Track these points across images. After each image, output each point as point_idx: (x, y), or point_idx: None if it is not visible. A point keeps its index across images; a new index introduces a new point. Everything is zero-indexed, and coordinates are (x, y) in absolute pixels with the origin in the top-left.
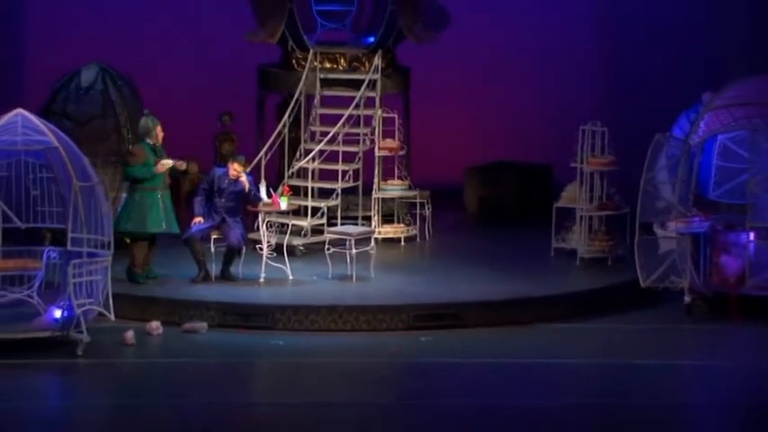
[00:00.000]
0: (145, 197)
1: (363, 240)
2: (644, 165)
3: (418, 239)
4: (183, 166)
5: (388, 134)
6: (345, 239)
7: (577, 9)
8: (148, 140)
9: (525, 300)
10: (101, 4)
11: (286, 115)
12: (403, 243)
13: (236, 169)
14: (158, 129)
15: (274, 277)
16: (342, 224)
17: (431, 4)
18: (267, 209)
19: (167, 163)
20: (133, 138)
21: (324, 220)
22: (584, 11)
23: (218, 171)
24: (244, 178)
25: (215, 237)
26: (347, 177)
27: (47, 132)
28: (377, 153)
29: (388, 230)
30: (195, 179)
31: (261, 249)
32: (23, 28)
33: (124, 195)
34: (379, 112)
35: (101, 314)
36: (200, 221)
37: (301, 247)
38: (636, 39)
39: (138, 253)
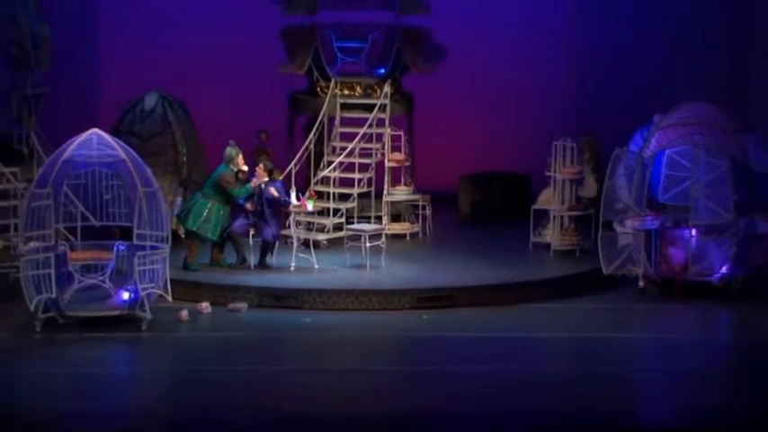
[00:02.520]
0: (214, 209)
1: (376, 236)
2: (606, 173)
3: (420, 235)
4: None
5: (395, 149)
6: (361, 235)
7: (553, 49)
8: (231, 167)
9: (508, 284)
10: (160, 43)
11: (312, 133)
12: (408, 238)
13: (260, 168)
14: (240, 157)
15: (302, 266)
16: (358, 222)
17: (430, 42)
18: (297, 210)
19: (258, 181)
20: (188, 152)
21: (343, 219)
22: (558, 51)
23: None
24: (272, 190)
25: (252, 233)
26: (362, 184)
27: (117, 147)
28: (386, 164)
29: (396, 228)
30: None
31: (291, 243)
32: (97, 64)
33: (179, 199)
34: (389, 130)
35: (161, 296)
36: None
37: (325, 242)
38: (600, 71)
39: (195, 248)
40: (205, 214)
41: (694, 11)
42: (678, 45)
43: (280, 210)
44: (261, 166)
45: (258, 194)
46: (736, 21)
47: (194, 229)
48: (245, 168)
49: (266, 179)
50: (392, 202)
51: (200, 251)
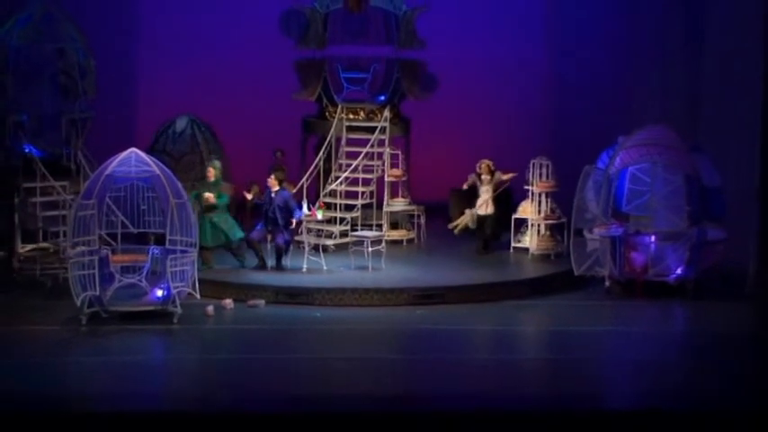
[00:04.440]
0: (205, 219)
1: (376, 241)
2: (576, 187)
3: (416, 241)
4: (211, 199)
5: (394, 165)
6: (364, 241)
7: (530, 80)
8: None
9: (492, 284)
10: (190, 74)
11: (321, 151)
12: (405, 243)
13: (272, 179)
14: (209, 169)
15: (313, 267)
16: (361, 230)
17: (425, 73)
18: (308, 219)
19: (209, 196)
20: None
21: (348, 227)
22: (535, 81)
23: (269, 191)
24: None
25: (269, 239)
26: (365, 196)
27: (152, 164)
28: (386, 179)
29: (395, 234)
30: (256, 197)
31: (303, 247)
32: (135, 92)
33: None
34: (388, 149)
35: (190, 294)
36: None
37: (332, 246)
38: (571, 99)
39: (206, 255)
40: (201, 224)
41: (654, 47)
42: (640, 77)
43: (292, 219)
44: (272, 176)
45: (269, 203)
46: (689, 58)
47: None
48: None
49: (277, 188)
50: (391, 212)
51: (218, 255)
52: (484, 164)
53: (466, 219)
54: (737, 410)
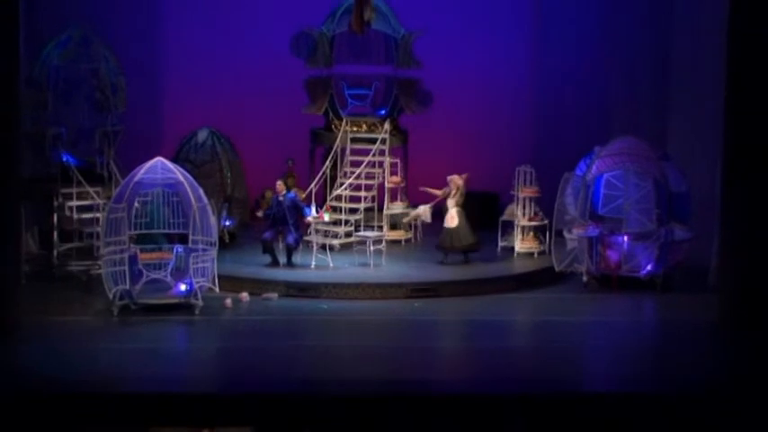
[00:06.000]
0: None
1: (377, 241)
2: (557, 192)
3: (413, 241)
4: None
5: (393, 173)
6: (366, 240)
7: (517, 97)
8: None
9: (482, 279)
10: (211, 90)
11: (328, 160)
12: (403, 243)
13: (279, 184)
14: None
15: (321, 264)
16: (363, 230)
17: (421, 89)
18: (316, 220)
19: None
20: (231, 176)
21: (352, 228)
22: (520, 98)
23: (277, 196)
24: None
25: (280, 239)
26: (367, 200)
27: (176, 171)
28: (386, 185)
29: (394, 235)
30: (270, 201)
31: (312, 246)
32: (161, 107)
33: (224, 213)
34: (388, 158)
35: (210, 288)
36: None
37: (338, 245)
38: (553, 113)
39: None
40: None
41: (626, 68)
42: (614, 94)
43: (301, 220)
44: (279, 182)
45: (278, 206)
46: (658, 77)
47: None
48: None
49: (284, 192)
50: (390, 215)
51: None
52: (452, 180)
53: (418, 212)
54: (699, 390)
